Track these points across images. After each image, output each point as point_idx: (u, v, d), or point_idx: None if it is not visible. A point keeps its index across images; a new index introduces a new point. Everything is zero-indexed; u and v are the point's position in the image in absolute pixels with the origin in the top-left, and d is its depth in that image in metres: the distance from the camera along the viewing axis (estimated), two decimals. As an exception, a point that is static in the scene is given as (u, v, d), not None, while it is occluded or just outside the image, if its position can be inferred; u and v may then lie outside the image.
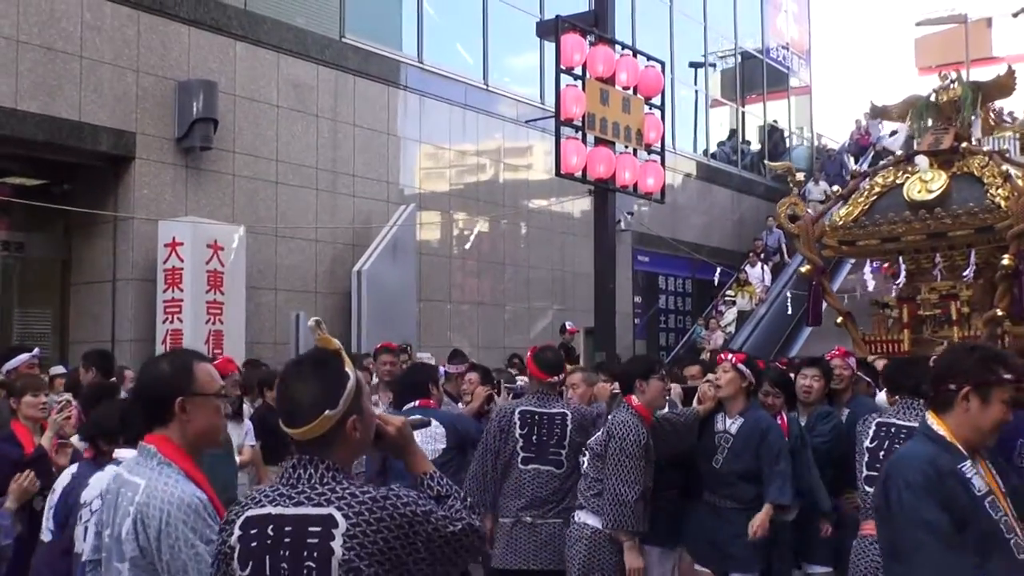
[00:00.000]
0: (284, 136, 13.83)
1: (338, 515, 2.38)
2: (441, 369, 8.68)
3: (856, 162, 23.34)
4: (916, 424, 5.08)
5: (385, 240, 14.49)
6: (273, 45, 13.74)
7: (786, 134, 28.15)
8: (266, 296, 13.38)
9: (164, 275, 11.75)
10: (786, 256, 21.15)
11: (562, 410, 6.18)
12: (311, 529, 2.39)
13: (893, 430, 5.09)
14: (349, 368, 2.51)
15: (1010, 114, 26.94)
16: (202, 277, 11.79)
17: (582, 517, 5.82)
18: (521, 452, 6.11)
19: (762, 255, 21.05)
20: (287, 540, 2.40)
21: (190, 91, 12.39)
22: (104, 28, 11.87)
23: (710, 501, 5.96)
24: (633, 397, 5.87)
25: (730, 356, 6.12)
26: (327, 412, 2.44)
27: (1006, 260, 6.11)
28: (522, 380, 8.40)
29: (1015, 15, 30.82)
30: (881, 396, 6.08)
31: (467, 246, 16.80)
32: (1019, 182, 6.22)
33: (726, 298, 20.16)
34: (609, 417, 6.00)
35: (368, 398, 2.62)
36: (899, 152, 7.40)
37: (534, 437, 6.11)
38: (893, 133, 24.08)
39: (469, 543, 2.54)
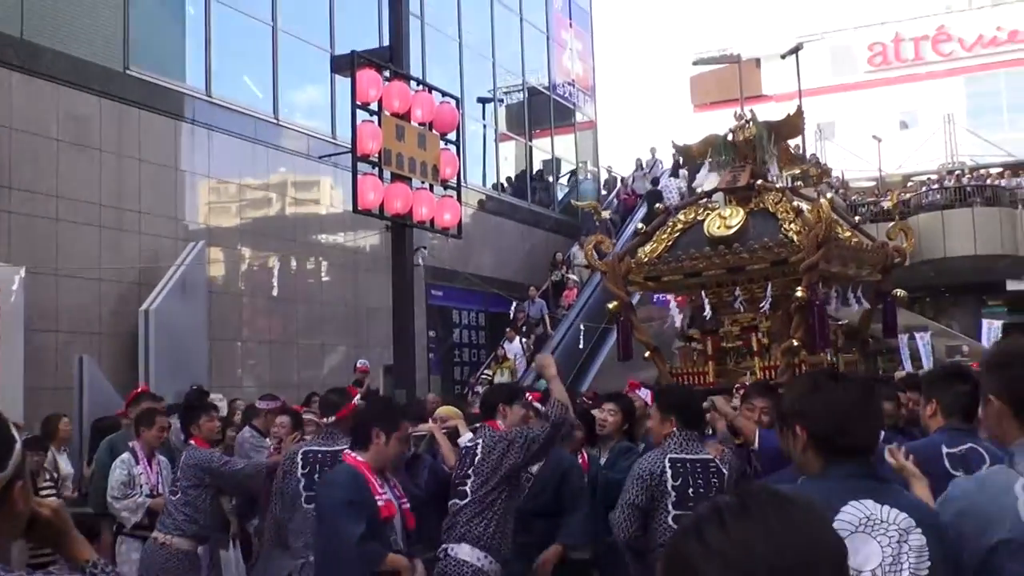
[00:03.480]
0: (65, 171, 13.21)
1: None
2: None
3: (623, 223, 23.72)
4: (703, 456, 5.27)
5: (173, 278, 14.02)
6: (52, 76, 13.12)
7: (574, 168, 28.82)
8: (47, 339, 12.70)
9: (-66, 320, 11.01)
10: (549, 328, 20.91)
11: (344, 447, 6.01)
12: None
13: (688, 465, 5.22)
14: (14, 430, 2.17)
15: (796, 148, 28.36)
16: (-24, 321, 11.10)
17: (459, 552, 5.62)
18: (304, 491, 6.08)
19: (523, 327, 20.73)
20: None
21: (-39, 124, 11.70)
22: None
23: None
24: (499, 422, 5.89)
25: (640, 389, 6.18)
26: None
27: (799, 292, 6.38)
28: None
29: (783, 56, 32.52)
30: None
31: (258, 283, 16.42)
32: (809, 216, 6.49)
33: (483, 377, 19.52)
34: (467, 441, 6.00)
35: (28, 470, 2.24)
36: (701, 190, 7.64)
37: (316, 475, 6.07)
38: (675, 173, 24.97)
39: None
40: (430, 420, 7.33)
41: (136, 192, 14.28)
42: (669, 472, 5.15)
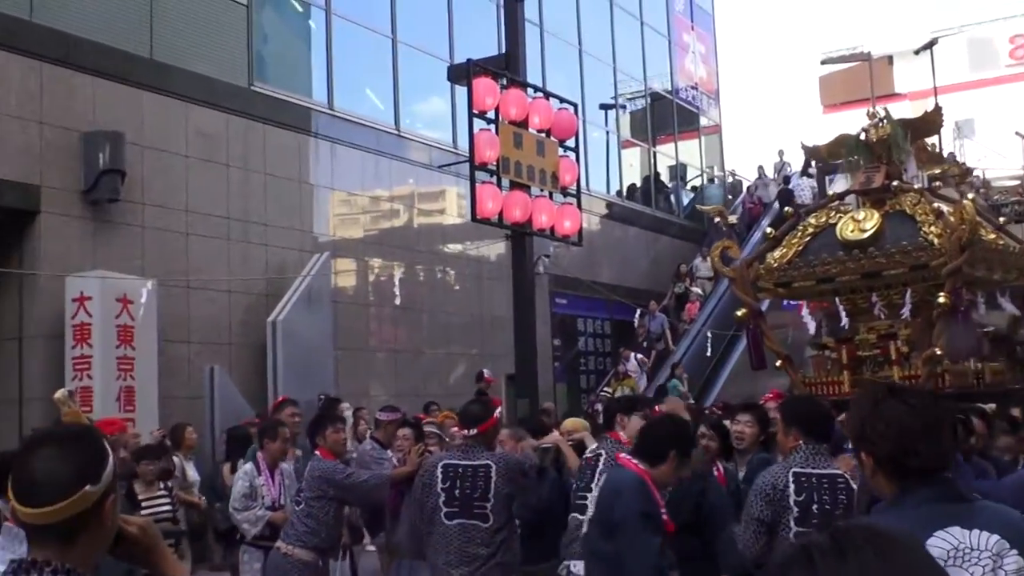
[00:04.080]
0: (194, 186, 13.50)
1: None
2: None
3: (748, 232, 23.16)
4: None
5: (300, 289, 14.21)
6: (181, 94, 13.43)
7: (699, 173, 28.44)
8: (179, 349, 12.98)
9: (72, 331, 11.34)
10: (670, 343, 20.35)
11: (486, 461, 5.95)
12: None
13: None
14: (106, 444, 2.17)
15: (932, 147, 27.55)
16: (112, 332, 11.41)
17: (580, 568, 5.53)
18: (444, 507, 5.90)
19: (643, 342, 20.25)
20: None
21: (96, 143, 12.03)
22: (5, 80, 11.49)
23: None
24: (619, 432, 5.80)
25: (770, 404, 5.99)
26: (88, 488, 2.02)
27: (942, 298, 6.07)
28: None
29: (917, 52, 31.49)
30: None
31: (383, 293, 16.54)
32: (951, 219, 6.19)
33: (603, 394, 18.82)
34: (600, 460, 5.82)
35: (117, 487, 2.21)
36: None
37: (457, 491, 5.90)
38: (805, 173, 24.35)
39: None
40: (555, 432, 7.22)
41: (262, 205, 14.52)
42: (792, 487, 4.80)
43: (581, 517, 5.60)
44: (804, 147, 7.84)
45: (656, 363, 19.53)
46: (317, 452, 7.22)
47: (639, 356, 18.75)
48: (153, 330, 12.02)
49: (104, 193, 12.02)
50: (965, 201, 6.58)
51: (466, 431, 6.11)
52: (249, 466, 7.88)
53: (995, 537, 2.49)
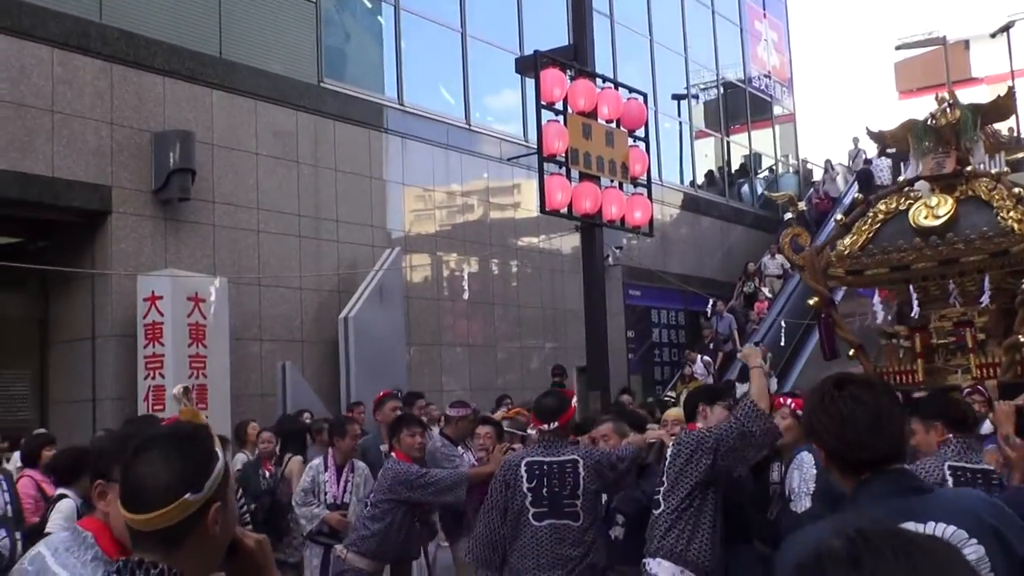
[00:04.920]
0: (264, 184, 13.58)
1: None
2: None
3: (818, 229, 22.46)
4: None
5: (371, 285, 14.22)
6: (250, 92, 13.51)
7: (774, 162, 28.05)
8: (251, 347, 13.06)
9: (144, 330, 11.45)
10: (738, 344, 19.52)
11: (573, 456, 5.69)
12: None
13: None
14: (218, 447, 2.09)
15: (1010, 131, 26.94)
16: (183, 331, 11.49)
17: (656, 567, 5.30)
18: (531, 507, 5.62)
19: (710, 344, 19.77)
20: None
21: (166, 142, 12.14)
22: (76, 81, 11.62)
23: (761, 551, 5.55)
24: (698, 425, 5.59)
25: (788, 401, 5.76)
26: (188, 496, 1.96)
27: (1026, 284, 5.90)
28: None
29: (993, 35, 30.83)
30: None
31: (456, 287, 16.51)
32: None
33: (667, 398, 18.22)
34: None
35: (233, 492, 2.14)
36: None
37: (544, 489, 5.63)
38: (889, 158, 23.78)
39: None
40: (659, 427, 6.89)
41: (333, 202, 14.57)
42: (950, 480, 4.47)
43: (655, 512, 5.40)
44: (870, 133, 7.62)
45: (724, 365, 19.02)
46: (393, 454, 7.07)
47: (705, 358, 18.28)
48: (225, 328, 12.09)
49: (174, 192, 12.12)
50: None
51: (545, 425, 5.83)
52: (317, 461, 7.85)
53: (952, 528, 2.41)
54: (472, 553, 5.96)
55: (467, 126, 17.45)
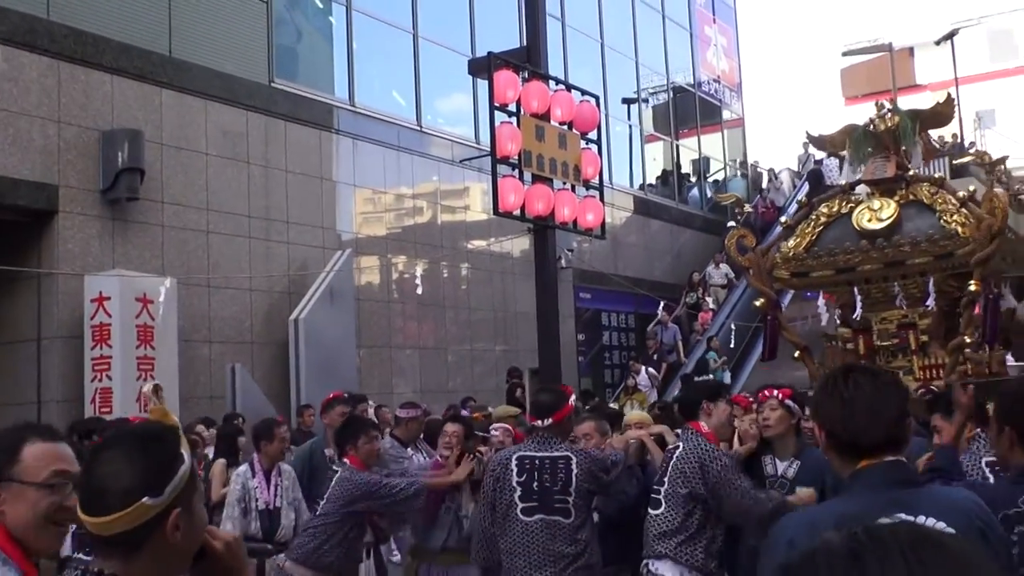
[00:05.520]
0: (214, 184, 13.49)
1: None
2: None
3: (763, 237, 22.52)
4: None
5: (322, 287, 14.18)
6: (200, 92, 13.41)
7: (723, 166, 28.30)
8: (200, 349, 12.97)
9: (91, 331, 11.32)
10: (682, 355, 19.80)
11: (566, 454, 5.59)
12: None
13: None
14: (185, 450, 1.98)
15: (940, 138, 27.36)
16: (131, 332, 11.38)
17: (659, 568, 5.25)
18: (520, 502, 5.49)
19: (654, 355, 19.55)
20: None
21: (115, 141, 12.02)
22: (22, 79, 11.48)
23: (757, 547, 5.54)
24: (701, 423, 5.49)
25: (776, 392, 5.75)
26: (145, 500, 1.86)
27: (972, 287, 6.01)
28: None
29: (938, 43, 31.38)
30: None
31: (406, 289, 16.50)
32: (979, 208, 6.12)
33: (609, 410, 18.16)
34: (675, 453, 5.46)
35: (200, 496, 2.04)
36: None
37: (535, 484, 5.50)
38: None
39: None
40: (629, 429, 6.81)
41: (283, 203, 14.50)
42: (991, 478, 4.47)
43: (653, 512, 5.35)
44: (810, 137, 7.73)
45: (668, 376, 18.95)
46: (346, 460, 6.64)
47: (650, 370, 18.27)
48: (173, 329, 12.00)
49: (123, 192, 12.00)
50: (998, 190, 6.49)
51: (540, 422, 5.69)
52: (244, 468, 7.50)
53: (941, 524, 2.46)
54: (476, 555, 5.84)
55: (418, 128, 17.43)
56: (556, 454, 5.57)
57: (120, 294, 11.35)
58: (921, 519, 2.47)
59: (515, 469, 5.56)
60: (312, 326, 13.69)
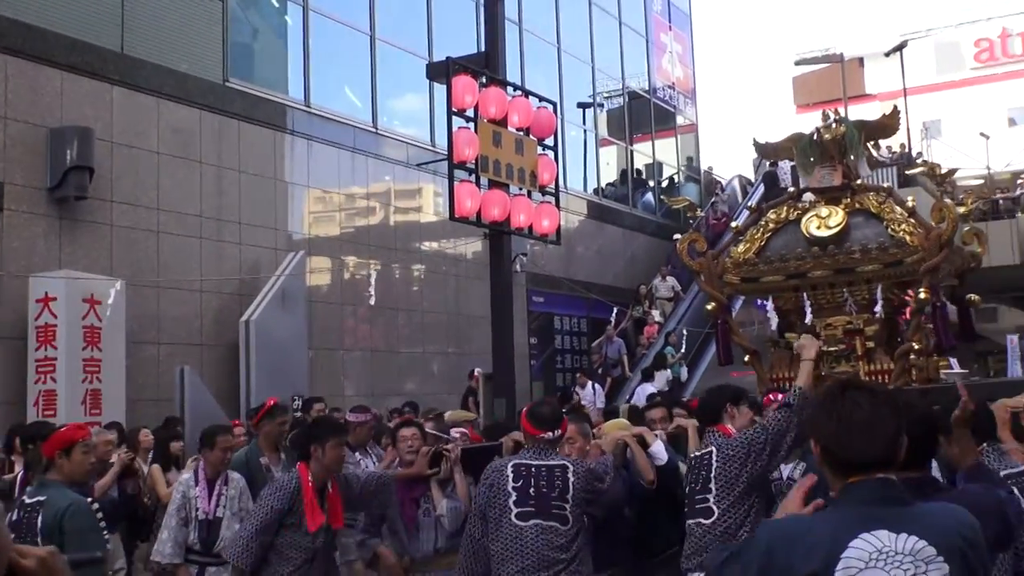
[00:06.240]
0: (165, 184, 13.34)
1: None
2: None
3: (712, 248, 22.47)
4: None
5: (274, 288, 14.06)
6: (152, 90, 13.27)
7: (676, 171, 28.46)
8: (148, 351, 12.82)
9: (36, 332, 11.15)
10: (627, 369, 19.65)
11: (562, 462, 5.54)
12: None
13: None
14: None
15: (888, 148, 27.72)
16: (78, 334, 11.22)
17: None
18: (515, 507, 5.39)
19: (599, 369, 19.53)
20: None
21: (63, 138, 11.85)
22: (-31, 74, 11.30)
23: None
24: (728, 425, 5.48)
25: (779, 397, 5.76)
26: None
27: (923, 294, 6.11)
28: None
29: (887, 54, 31.87)
30: None
31: (359, 292, 16.42)
32: (928, 217, 6.24)
33: None
34: (711, 456, 5.36)
35: (2, 516, 1.92)
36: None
37: (531, 489, 5.43)
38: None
39: None
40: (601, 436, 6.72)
41: (236, 203, 14.38)
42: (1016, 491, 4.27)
43: (706, 522, 5.24)
44: (756, 144, 7.79)
45: (612, 390, 18.80)
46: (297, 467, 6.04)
47: (595, 385, 18.01)
48: (121, 331, 11.84)
49: (71, 190, 11.82)
50: (948, 200, 6.58)
51: (550, 433, 5.59)
52: (187, 475, 7.34)
53: (923, 543, 2.51)
54: (461, 566, 5.72)
55: (374, 129, 17.36)
56: (553, 462, 5.53)
57: (67, 295, 11.19)
58: (903, 536, 2.51)
59: (511, 475, 5.49)
60: (263, 328, 13.58)
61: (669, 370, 18.28)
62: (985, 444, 4.57)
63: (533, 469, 5.49)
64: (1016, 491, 4.20)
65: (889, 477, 2.65)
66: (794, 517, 2.81)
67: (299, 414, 11.13)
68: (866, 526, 2.53)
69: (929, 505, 2.70)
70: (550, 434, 5.61)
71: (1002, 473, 4.41)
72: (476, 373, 15.89)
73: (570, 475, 5.47)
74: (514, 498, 5.41)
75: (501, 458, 6.01)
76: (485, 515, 5.54)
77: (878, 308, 6.30)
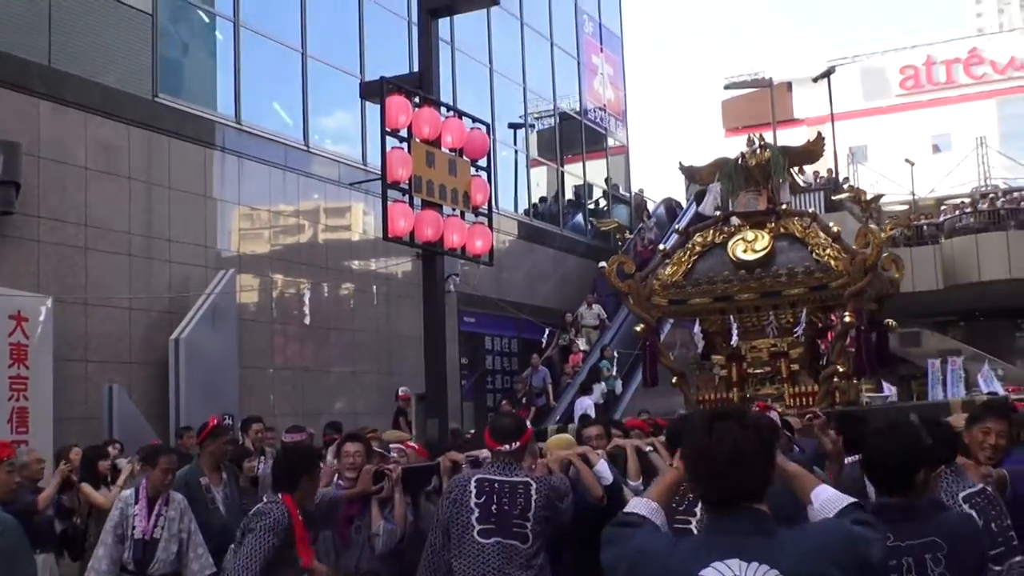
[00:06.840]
0: (94, 200, 13.20)
1: None
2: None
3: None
4: None
5: (204, 307, 13.96)
6: (81, 104, 13.13)
7: (604, 192, 28.69)
8: (76, 368, 12.65)
9: (-41, 350, 10.98)
10: (551, 398, 19.49)
11: (526, 479, 5.53)
12: None
13: None
14: None
15: (815, 173, 28.24)
16: (4, 351, 11.03)
17: None
18: (478, 524, 5.40)
19: (523, 398, 19.42)
20: None
21: (-10, 153, 11.70)
22: None
23: None
24: None
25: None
26: None
27: (848, 317, 6.25)
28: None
29: (815, 79, 32.49)
30: None
31: (289, 310, 16.36)
32: (853, 243, 6.40)
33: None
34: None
35: None
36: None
37: (493, 507, 5.42)
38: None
39: None
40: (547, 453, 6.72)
41: (166, 220, 14.26)
42: (975, 512, 4.29)
43: None
44: (681, 168, 7.94)
45: (537, 419, 18.22)
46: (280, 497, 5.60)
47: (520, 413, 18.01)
48: (49, 348, 11.66)
49: (-3, 205, 11.69)
50: (872, 226, 6.74)
51: (507, 446, 5.58)
52: (128, 493, 7.26)
53: (773, 572, 2.54)
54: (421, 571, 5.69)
55: (305, 147, 17.32)
56: (516, 479, 5.53)
57: (-9, 311, 11.03)
58: (754, 566, 2.55)
59: (473, 491, 5.49)
60: (193, 346, 13.48)
61: (604, 383, 18.43)
62: (943, 466, 4.64)
63: (496, 485, 5.51)
64: (974, 513, 4.28)
65: (758, 508, 2.67)
66: (669, 536, 2.87)
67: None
68: (721, 554, 2.57)
69: (799, 531, 2.73)
70: (508, 446, 5.61)
71: (960, 495, 4.42)
72: (403, 392, 15.85)
73: (532, 492, 5.48)
74: (476, 515, 5.43)
75: (468, 470, 5.96)
76: (447, 529, 5.54)
77: (799, 330, 6.45)
